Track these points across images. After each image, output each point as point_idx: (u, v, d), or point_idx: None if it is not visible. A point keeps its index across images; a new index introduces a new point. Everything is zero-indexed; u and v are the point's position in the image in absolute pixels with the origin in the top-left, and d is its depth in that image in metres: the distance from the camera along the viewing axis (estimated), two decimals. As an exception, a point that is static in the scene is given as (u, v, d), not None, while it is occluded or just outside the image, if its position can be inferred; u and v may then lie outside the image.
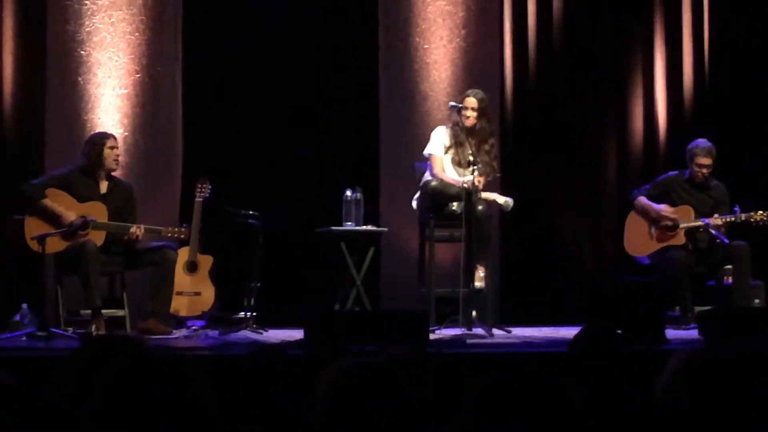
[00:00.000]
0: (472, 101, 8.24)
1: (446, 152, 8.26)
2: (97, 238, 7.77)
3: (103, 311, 7.74)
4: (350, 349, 6.27)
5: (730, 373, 3.16)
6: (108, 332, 7.47)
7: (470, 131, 8.20)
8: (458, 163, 8.21)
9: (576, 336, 4.74)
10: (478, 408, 2.35)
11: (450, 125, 8.31)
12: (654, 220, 8.68)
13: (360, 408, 2.41)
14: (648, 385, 3.56)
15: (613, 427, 3.65)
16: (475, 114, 8.20)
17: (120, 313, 8.08)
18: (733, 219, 8.52)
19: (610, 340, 4.68)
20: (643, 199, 8.75)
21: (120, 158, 8.17)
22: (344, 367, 2.49)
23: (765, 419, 3.06)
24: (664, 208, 8.66)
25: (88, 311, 7.73)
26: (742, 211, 8.53)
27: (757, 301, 8.80)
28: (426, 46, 9.43)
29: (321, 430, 2.43)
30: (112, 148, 8.00)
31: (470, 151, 8.06)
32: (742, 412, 3.06)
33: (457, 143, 8.21)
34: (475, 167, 7.90)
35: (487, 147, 8.23)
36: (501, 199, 8.19)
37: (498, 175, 8.37)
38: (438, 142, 8.28)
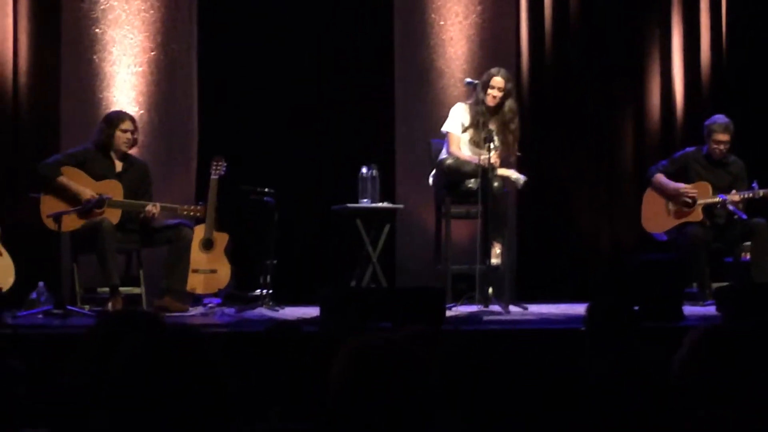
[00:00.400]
0: (498, 81, 8.16)
1: (464, 131, 8.21)
2: (113, 216, 7.77)
3: (121, 288, 7.75)
4: (366, 327, 6.28)
5: (746, 348, 3.15)
6: (124, 309, 7.47)
7: (493, 111, 8.15)
8: (476, 144, 8.15)
9: (591, 311, 4.73)
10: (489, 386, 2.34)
11: (470, 103, 8.25)
12: (672, 197, 8.64)
13: (377, 384, 2.40)
14: (666, 362, 3.55)
15: (629, 406, 3.63)
16: (501, 94, 8.15)
17: (136, 290, 8.09)
18: (751, 195, 8.49)
19: (627, 317, 4.67)
20: (660, 176, 8.71)
21: (137, 138, 8.12)
22: (362, 342, 2.48)
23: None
24: (682, 186, 8.62)
25: (105, 289, 7.75)
26: (761, 187, 8.49)
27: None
28: (441, 23, 9.40)
29: (337, 405, 2.43)
30: (125, 131, 7.96)
31: (491, 129, 8.00)
32: (758, 386, 3.04)
33: (477, 123, 8.13)
34: (493, 144, 7.86)
35: (512, 126, 8.16)
36: (514, 175, 8.15)
37: (518, 154, 8.33)
38: (456, 120, 8.23)
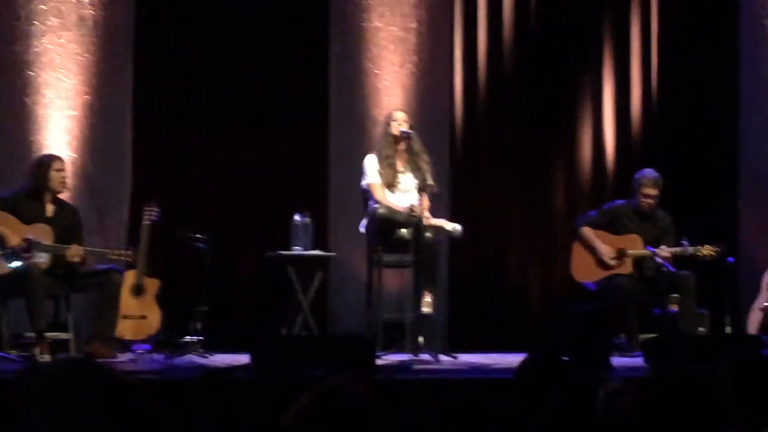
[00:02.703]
0: (399, 114, 8.26)
1: (381, 177, 8.22)
2: (42, 260, 7.70)
3: (48, 334, 7.67)
4: (297, 374, 6.26)
5: (674, 398, 3.19)
6: (54, 356, 7.40)
7: (399, 142, 8.18)
8: (390, 186, 8.18)
9: (521, 363, 4.76)
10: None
11: (377, 149, 8.30)
12: (597, 255, 8.73)
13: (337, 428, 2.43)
14: (593, 411, 3.59)
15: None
16: (406, 125, 8.19)
17: (65, 335, 8.00)
18: (680, 251, 8.60)
19: (556, 367, 4.70)
20: (587, 232, 8.79)
21: (68, 180, 8.13)
22: (324, 391, 2.50)
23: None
24: (605, 251, 8.70)
25: (33, 334, 7.66)
26: (690, 244, 8.60)
27: (701, 329, 8.88)
28: (377, 72, 9.46)
29: None
30: (58, 170, 7.94)
31: (405, 169, 8.09)
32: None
33: (385, 157, 8.19)
34: (423, 191, 7.90)
35: (424, 157, 8.18)
36: (449, 226, 8.17)
37: (435, 190, 8.25)
38: (372, 170, 8.24)
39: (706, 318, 9.02)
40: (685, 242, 8.60)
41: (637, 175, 8.81)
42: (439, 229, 8.11)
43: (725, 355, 4.24)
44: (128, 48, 9.12)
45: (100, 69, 9.02)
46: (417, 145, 8.14)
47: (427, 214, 7.98)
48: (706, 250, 8.56)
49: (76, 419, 2.21)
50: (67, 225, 7.97)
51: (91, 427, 2.20)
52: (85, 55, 8.98)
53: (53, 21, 8.94)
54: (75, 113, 8.95)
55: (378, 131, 8.40)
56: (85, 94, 8.98)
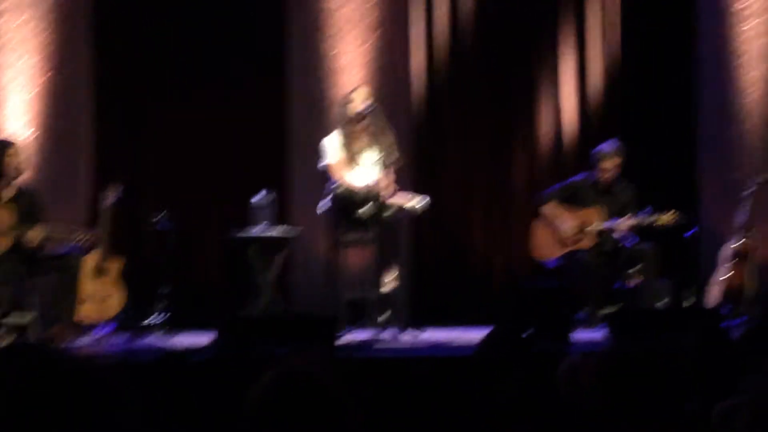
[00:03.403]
0: (363, 90, 8.26)
1: (342, 154, 8.22)
2: (2, 244, 7.65)
3: (8, 319, 7.63)
4: (260, 353, 6.28)
5: (635, 372, 3.22)
6: (13, 341, 7.37)
7: (362, 120, 8.17)
8: (350, 161, 8.17)
9: (483, 339, 4.79)
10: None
11: (338, 125, 8.29)
12: (558, 232, 8.77)
13: (295, 409, 2.44)
14: (555, 386, 3.62)
15: (520, 427, 3.69)
16: (369, 101, 8.18)
17: (25, 320, 7.96)
18: (641, 220, 8.64)
19: (516, 343, 4.74)
20: (549, 208, 8.82)
21: (22, 165, 7.97)
22: (282, 371, 2.52)
23: (669, 415, 3.12)
24: (566, 226, 8.73)
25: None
26: (651, 213, 8.64)
27: (664, 300, 8.93)
28: (334, 52, 9.45)
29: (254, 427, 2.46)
30: (11, 155, 7.86)
31: (367, 145, 8.10)
32: (647, 409, 3.11)
33: (348, 135, 8.19)
34: (386, 162, 7.90)
35: (387, 131, 8.15)
36: (408, 204, 8.17)
37: (400, 163, 8.24)
38: (331, 150, 8.23)
39: (668, 290, 9.07)
40: (645, 211, 8.63)
41: (595, 150, 8.84)
42: (399, 206, 8.12)
43: (687, 329, 4.29)
44: (87, 25, 9.07)
45: (60, 47, 8.96)
46: (380, 121, 8.13)
47: (387, 191, 7.98)
48: (667, 217, 8.60)
49: (30, 406, 2.20)
50: (28, 208, 7.91)
51: (47, 414, 2.19)
52: (45, 33, 8.93)
53: (10, 1, 8.88)
54: (36, 92, 8.89)
55: (339, 109, 8.38)
56: (45, 74, 8.92)
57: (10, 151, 7.88)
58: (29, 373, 2.26)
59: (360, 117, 8.15)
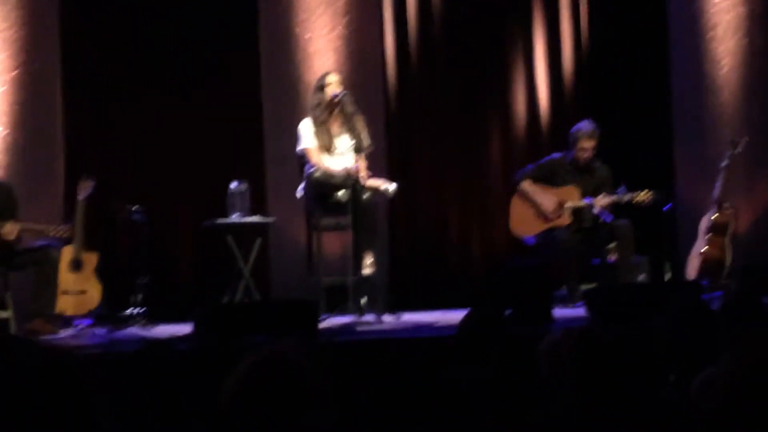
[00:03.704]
0: (332, 77, 8.25)
1: (317, 140, 8.20)
2: (-24, 240, 7.63)
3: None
4: (240, 342, 6.26)
5: (615, 348, 3.22)
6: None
7: (332, 104, 8.16)
8: (326, 149, 8.16)
9: (463, 320, 4.79)
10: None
11: (310, 112, 8.27)
12: (537, 208, 8.77)
13: (270, 394, 2.43)
14: (535, 365, 3.61)
15: (500, 409, 3.69)
16: (339, 87, 8.18)
17: (4, 314, 7.94)
18: (617, 199, 8.66)
19: (497, 323, 4.74)
20: (526, 185, 8.83)
21: (-1, 158, 8.02)
22: (260, 355, 2.51)
23: (649, 390, 3.13)
24: (546, 201, 8.74)
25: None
26: (626, 192, 8.66)
27: (641, 276, 8.97)
28: (308, 36, 9.41)
29: (230, 415, 2.45)
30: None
31: (340, 132, 8.09)
32: (627, 385, 3.12)
33: (320, 122, 8.17)
34: (360, 152, 7.89)
35: (358, 117, 8.13)
36: (382, 186, 8.17)
37: (372, 148, 8.22)
38: (308, 135, 8.22)
39: (645, 266, 9.11)
40: (621, 190, 8.67)
41: (573, 129, 8.84)
42: (375, 190, 8.12)
43: (664, 304, 4.29)
44: (54, 20, 9.01)
45: (27, 43, 8.90)
46: (350, 107, 8.10)
47: (363, 175, 7.97)
48: (642, 195, 8.62)
49: (9, 400, 2.18)
50: (2, 204, 7.88)
51: (26, 408, 2.18)
52: (12, 29, 8.86)
53: (-24, -2, 8.82)
54: (4, 89, 8.83)
55: (311, 96, 8.36)
56: (14, 69, 8.86)
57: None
58: (8, 366, 2.24)
59: (331, 103, 8.14)
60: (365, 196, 7.91)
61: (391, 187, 8.17)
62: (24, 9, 8.89)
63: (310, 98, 8.36)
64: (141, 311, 8.05)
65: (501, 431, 3.23)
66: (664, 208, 8.87)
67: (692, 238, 9.09)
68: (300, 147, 8.23)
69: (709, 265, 8.91)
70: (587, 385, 3.17)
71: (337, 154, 8.13)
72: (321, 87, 8.22)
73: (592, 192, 8.74)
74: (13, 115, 8.83)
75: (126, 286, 8.32)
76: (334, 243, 8.63)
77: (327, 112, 8.16)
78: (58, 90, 9.03)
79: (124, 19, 9.23)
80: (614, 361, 3.19)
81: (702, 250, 8.98)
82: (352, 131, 8.05)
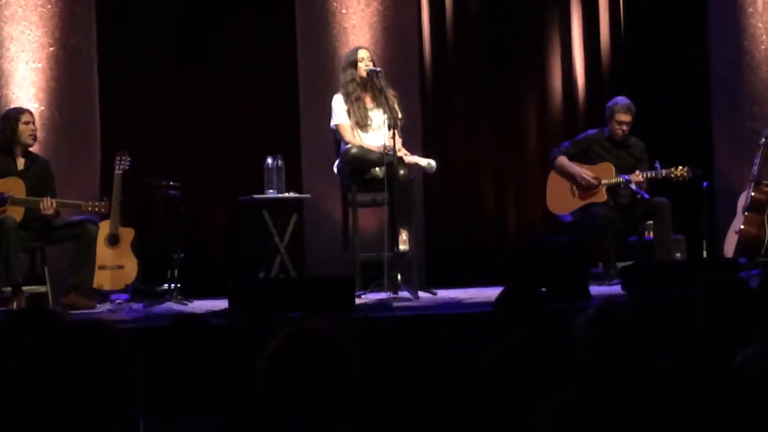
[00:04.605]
0: (364, 52, 8.21)
1: (351, 116, 8.18)
2: (16, 214, 7.67)
3: (25, 287, 7.66)
4: (275, 317, 6.27)
5: (651, 324, 3.20)
6: (26, 307, 7.38)
7: (365, 80, 8.13)
8: (360, 126, 8.13)
9: (499, 296, 4.77)
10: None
11: (342, 88, 8.24)
12: (575, 180, 8.73)
13: (306, 367, 2.43)
14: (571, 341, 3.60)
15: (535, 386, 3.67)
16: (371, 63, 8.15)
17: (42, 289, 7.98)
18: (653, 175, 8.61)
19: (534, 300, 4.72)
20: (563, 159, 8.80)
21: (37, 133, 8.06)
22: (294, 331, 2.51)
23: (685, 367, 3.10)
24: (582, 171, 8.71)
25: (9, 288, 7.63)
26: (663, 167, 8.62)
27: (678, 255, 8.92)
28: (344, 11, 9.38)
29: (266, 389, 2.45)
30: (27, 123, 7.89)
31: (373, 107, 8.06)
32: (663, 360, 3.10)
33: (354, 100, 8.15)
34: (398, 126, 7.85)
35: (391, 92, 8.10)
36: (423, 162, 8.14)
37: (402, 122, 8.18)
38: (340, 110, 8.19)
39: (682, 244, 9.06)
40: (657, 166, 8.62)
41: (609, 104, 8.80)
42: (412, 167, 8.10)
43: (702, 280, 4.25)
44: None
45: (64, 20, 8.91)
46: (382, 82, 8.08)
47: (402, 150, 7.95)
48: (679, 171, 8.57)
49: (45, 371, 2.19)
50: (40, 178, 7.93)
51: (63, 380, 2.18)
52: (48, 6, 8.87)
53: (13, -26, 8.83)
54: (40, 65, 8.85)
55: (342, 72, 8.32)
56: (50, 46, 8.88)
57: (24, 118, 7.89)
58: (43, 337, 2.25)
59: (365, 78, 8.11)
60: (401, 172, 7.89)
61: (433, 162, 8.14)
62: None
63: (341, 75, 8.32)
64: (176, 286, 8.08)
65: (534, 407, 3.21)
66: (702, 185, 8.81)
67: (730, 216, 9.02)
68: (334, 122, 8.21)
69: (746, 243, 8.84)
70: (622, 361, 3.15)
71: (372, 129, 8.11)
72: (353, 63, 8.18)
73: (628, 168, 8.69)
74: (49, 92, 8.86)
75: (162, 261, 8.35)
76: (369, 219, 8.63)
77: (360, 88, 8.14)
78: (94, 66, 9.05)
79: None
80: (651, 337, 3.18)
81: (740, 228, 8.90)
82: (385, 106, 8.02)
